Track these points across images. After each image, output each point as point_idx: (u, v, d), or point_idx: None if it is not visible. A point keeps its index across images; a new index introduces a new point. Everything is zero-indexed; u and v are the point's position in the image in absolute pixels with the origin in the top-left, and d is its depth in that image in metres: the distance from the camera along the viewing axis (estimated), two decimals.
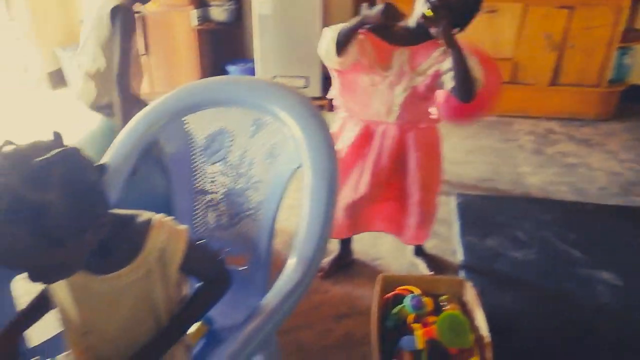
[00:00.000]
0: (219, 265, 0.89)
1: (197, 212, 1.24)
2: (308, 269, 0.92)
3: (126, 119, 1.72)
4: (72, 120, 3.72)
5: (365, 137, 1.66)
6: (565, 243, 2.00)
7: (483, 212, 2.27)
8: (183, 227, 0.83)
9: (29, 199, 0.61)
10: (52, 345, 0.94)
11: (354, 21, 1.46)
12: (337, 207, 1.71)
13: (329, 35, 1.49)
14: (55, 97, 4.29)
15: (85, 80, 1.86)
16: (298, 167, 1.08)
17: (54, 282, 0.78)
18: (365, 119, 1.66)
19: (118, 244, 0.77)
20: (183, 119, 1.21)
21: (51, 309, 0.89)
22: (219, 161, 1.21)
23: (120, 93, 1.73)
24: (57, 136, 0.70)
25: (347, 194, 1.71)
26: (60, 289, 0.82)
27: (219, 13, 3.93)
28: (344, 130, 1.71)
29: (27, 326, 0.89)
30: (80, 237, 0.69)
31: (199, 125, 1.22)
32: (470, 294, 1.50)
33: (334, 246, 2.04)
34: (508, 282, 1.82)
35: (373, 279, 1.89)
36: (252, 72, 3.91)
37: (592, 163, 2.90)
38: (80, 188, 0.67)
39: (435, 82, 1.52)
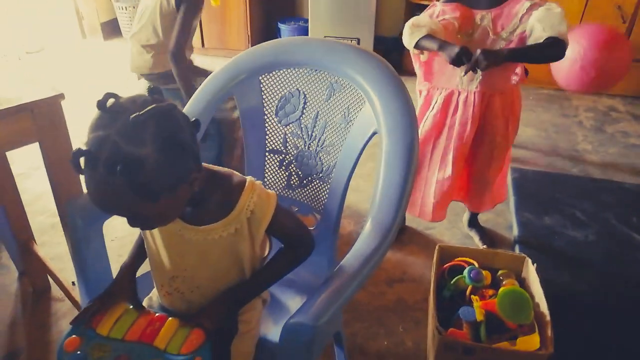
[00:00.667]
0: (303, 230, 0.90)
1: (267, 170, 1.25)
2: (385, 236, 0.93)
3: (187, 88, 1.78)
4: (122, 70, 3.80)
5: (447, 105, 1.65)
6: (627, 227, 1.94)
7: (540, 188, 2.22)
8: (272, 192, 0.85)
9: (125, 152, 0.64)
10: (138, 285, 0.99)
11: (432, 44, 1.47)
12: (428, 191, 1.73)
13: (409, 38, 1.51)
14: (108, 47, 4.36)
15: (141, 52, 1.90)
16: (374, 133, 1.07)
17: (150, 229, 0.82)
18: (448, 87, 1.64)
19: (213, 199, 0.80)
20: (259, 78, 1.21)
21: None
22: (291, 122, 1.22)
23: (177, 65, 1.77)
24: (156, 91, 0.71)
25: (434, 174, 1.71)
26: (154, 235, 0.86)
27: None
28: (431, 100, 1.70)
29: (138, 267, 0.94)
30: (173, 192, 0.71)
31: (274, 86, 1.22)
32: (530, 271, 1.48)
33: None
34: (565, 261, 1.79)
35: (425, 248, 1.91)
36: (304, 30, 3.86)
37: None
38: (173, 144, 0.68)
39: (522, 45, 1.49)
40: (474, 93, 1.60)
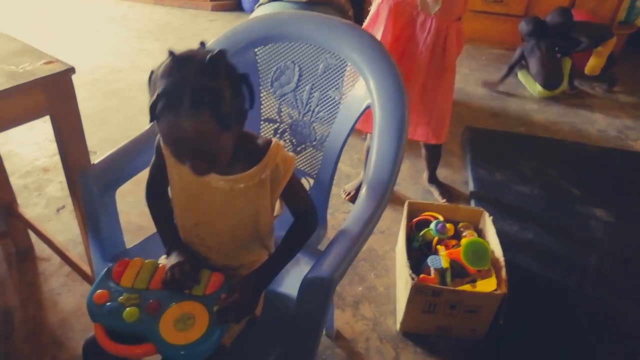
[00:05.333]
0: (311, 201, 1.01)
1: None
2: (382, 199, 1.06)
3: None
4: None
5: (404, 27, 1.72)
6: (566, 181, 2.20)
7: (492, 146, 2.44)
8: (292, 154, 0.96)
9: (207, 86, 0.75)
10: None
11: None
12: None
13: None
14: None
15: None
16: (368, 107, 1.18)
17: (208, 173, 0.86)
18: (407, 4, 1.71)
19: (243, 151, 0.89)
20: (254, 50, 1.28)
21: None
22: (286, 94, 1.30)
23: None
24: (204, 44, 0.83)
25: None
26: (184, 185, 0.94)
27: None
28: (381, 12, 1.74)
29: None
30: (239, 125, 0.83)
31: (269, 58, 1.28)
32: (487, 223, 1.69)
33: (359, 170, 2.19)
34: (514, 212, 2.02)
35: (391, 203, 2.09)
36: None
37: (593, 104, 3.05)
38: (237, 80, 0.80)
39: None
40: (433, 19, 1.69)
